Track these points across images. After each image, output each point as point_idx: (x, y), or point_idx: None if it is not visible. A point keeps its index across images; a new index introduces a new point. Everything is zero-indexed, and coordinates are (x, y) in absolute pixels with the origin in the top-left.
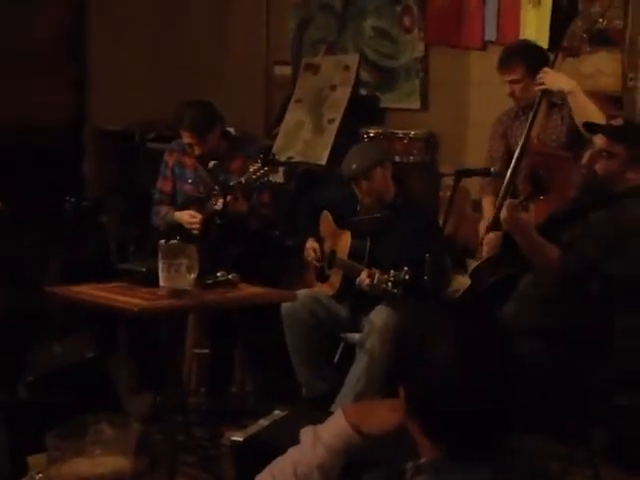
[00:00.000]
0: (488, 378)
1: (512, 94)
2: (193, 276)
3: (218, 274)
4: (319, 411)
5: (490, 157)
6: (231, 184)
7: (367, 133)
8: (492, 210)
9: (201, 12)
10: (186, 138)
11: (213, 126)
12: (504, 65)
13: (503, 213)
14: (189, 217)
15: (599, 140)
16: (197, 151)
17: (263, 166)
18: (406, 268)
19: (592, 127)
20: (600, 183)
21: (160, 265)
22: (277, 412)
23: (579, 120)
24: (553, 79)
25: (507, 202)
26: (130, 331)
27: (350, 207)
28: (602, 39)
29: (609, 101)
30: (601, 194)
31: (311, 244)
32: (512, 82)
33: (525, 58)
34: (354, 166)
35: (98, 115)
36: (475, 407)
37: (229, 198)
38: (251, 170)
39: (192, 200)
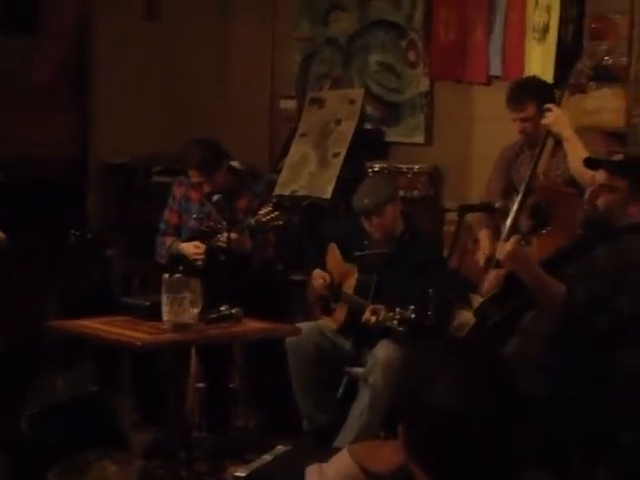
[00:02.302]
0: (490, 418)
1: (523, 131)
2: (197, 310)
3: (222, 308)
4: (321, 445)
5: (488, 190)
6: (241, 226)
7: (372, 167)
8: (489, 243)
9: (205, 46)
10: (195, 177)
11: (220, 164)
12: (516, 103)
13: (506, 248)
14: (194, 248)
15: (600, 175)
16: (207, 189)
17: (274, 211)
18: (412, 307)
19: (593, 162)
20: (602, 218)
21: (163, 299)
22: (280, 447)
23: (572, 166)
24: (556, 119)
25: (511, 237)
26: (133, 365)
27: (357, 241)
28: (607, 75)
29: (612, 137)
30: (604, 229)
31: (319, 273)
32: (523, 120)
33: (536, 95)
34: (366, 201)
35: (102, 148)
36: (477, 447)
37: (234, 236)
38: (262, 213)
39: (196, 233)
